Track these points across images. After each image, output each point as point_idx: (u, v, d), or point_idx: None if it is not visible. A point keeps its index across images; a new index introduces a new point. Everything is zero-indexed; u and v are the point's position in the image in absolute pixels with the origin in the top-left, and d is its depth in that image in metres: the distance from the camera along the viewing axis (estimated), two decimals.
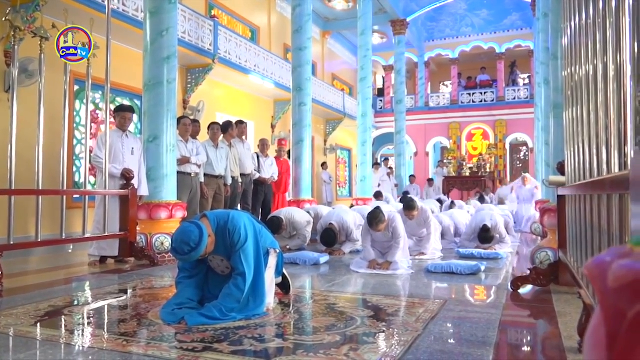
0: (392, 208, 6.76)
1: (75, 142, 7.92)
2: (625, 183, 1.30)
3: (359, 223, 6.02)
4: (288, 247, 6.22)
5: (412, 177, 16.61)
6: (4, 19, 4.32)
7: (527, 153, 20.07)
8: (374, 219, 4.66)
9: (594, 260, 0.51)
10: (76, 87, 7.79)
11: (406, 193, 12.55)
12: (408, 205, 5.69)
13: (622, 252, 0.51)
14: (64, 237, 4.73)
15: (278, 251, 3.12)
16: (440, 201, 10.55)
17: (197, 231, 2.62)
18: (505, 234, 6.20)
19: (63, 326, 2.65)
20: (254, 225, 2.94)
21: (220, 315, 2.63)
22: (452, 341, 2.37)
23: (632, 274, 0.46)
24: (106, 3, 5.29)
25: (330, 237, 5.77)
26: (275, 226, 6.05)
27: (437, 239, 5.86)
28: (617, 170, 1.55)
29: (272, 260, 3.03)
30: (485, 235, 5.88)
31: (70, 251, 6.17)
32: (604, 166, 1.73)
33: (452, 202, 9.92)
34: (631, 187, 1.04)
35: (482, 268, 4.44)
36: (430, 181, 16.45)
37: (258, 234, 2.93)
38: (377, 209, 4.84)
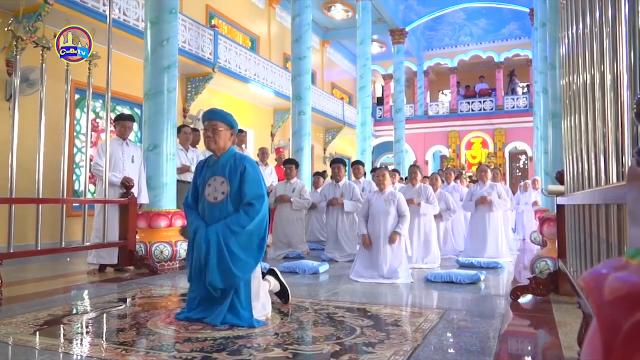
0: None
1: (75, 150, 7.93)
2: (623, 194, 1.31)
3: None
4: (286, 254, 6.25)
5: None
6: (6, 29, 4.35)
7: (526, 162, 20.10)
8: (381, 167, 4.85)
9: (590, 272, 0.52)
10: (77, 96, 7.82)
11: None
12: (414, 165, 6.16)
13: (618, 265, 0.51)
14: (63, 246, 4.73)
15: None
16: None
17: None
18: (503, 194, 6.34)
19: (62, 335, 2.65)
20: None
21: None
22: (452, 351, 2.36)
23: (627, 286, 0.47)
24: (107, 13, 5.32)
25: (342, 159, 6.67)
26: (293, 161, 6.96)
27: (436, 246, 5.87)
28: (615, 180, 1.56)
29: (258, 269, 3.01)
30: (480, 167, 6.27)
31: (69, 260, 6.16)
32: (603, 176, 1.74)
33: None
34: (628, 198, 1.05)
35: (482, 277, 4.44)
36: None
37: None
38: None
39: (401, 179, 16.49)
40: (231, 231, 2.79)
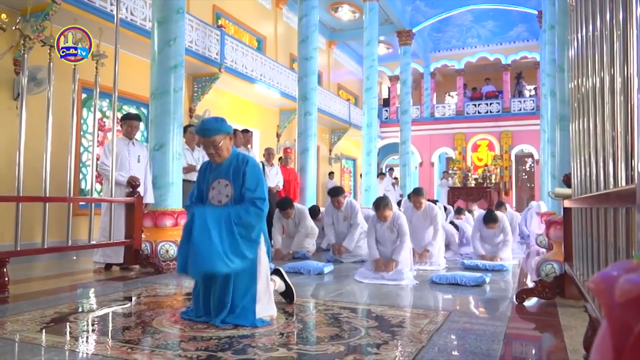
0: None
1: (82, 149, 7.96)
2: (631, 197, 1.30)
3: (363, 228, 6.07)
4: (291, 251, 6.25)
5: (331, 174, 16.41)
6: (14, 28, 4.37)
7: (532, 165, 20.03)
8: (381, 202, 4.83)
9: (600, 274, 0.52)
10: (84, 95, 7.85)
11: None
12: (417, 191, 5.98)
13: (628, 267, 0.51)
14: (69, 244, 4.75)
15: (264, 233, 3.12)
16: (445, 208, 10.45)
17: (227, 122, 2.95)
18: (509, 230, 6.20)
19: (68, 333, 2.66)
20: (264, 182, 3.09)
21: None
22: (456, 353, 2.35)
23: (638, 288, 0.46)
24: (115, 12, 5.34)
25: (338, 189, 6.34)
26: (285, 203, 6.44)
27: (441, 249, 5.86)
28: (623, 183, 1.55)
29: (264, 256, 3.00)
30: (489, 215, 6.04)
31: (75, 258, 6.18)
32: (611, 179, 1.73)
33: (459, 209, 9.77)
34: (637, 201, 1.04)
35: (487, 280, 4.42)
36: (382, 175, 15.54)
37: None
38: (385, 195, 4.99)
39: (395, 178, 16.50)
40: (231, 216, 2.80)
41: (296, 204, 6.66)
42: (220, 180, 2.94)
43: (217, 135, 2.87)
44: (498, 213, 6.19)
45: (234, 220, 2.78)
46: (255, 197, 2.86)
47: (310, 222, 6.58)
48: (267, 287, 2.95)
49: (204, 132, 2.89)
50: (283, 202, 6.51)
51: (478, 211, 10.57)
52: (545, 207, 9.17)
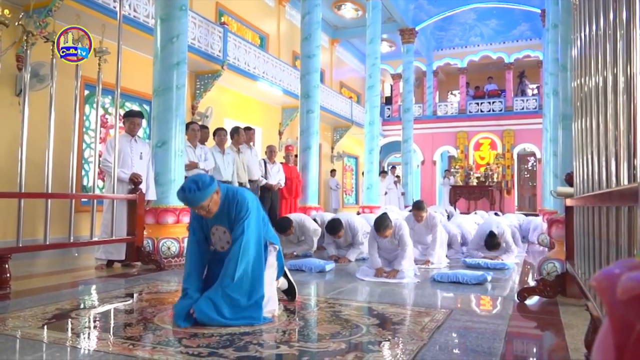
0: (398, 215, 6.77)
1: (84, 146, 7.98)
2: (634, 195, 1.30)
3: (366, 230, 6.02)
4: (295, 253, 6.21)
5: (332, 172, 16.61)
6: (16, 24, 4.37)
7: (534, 163, 20.00)
8: (382, 223, 4.69)
9: (602, 272, 0.52)
10: (86, 92, 7.86)
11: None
12: (418, 205, 5.79)
13: (630, 265, 0.51)
14: (71, 241, 4.76)
15: (278, 248, 3.15)
16: (447, 212, 10.38)
17: (210, 178, 2.78)
18: (511, 242, 6.17)
19: (69, 329, 2.67)
20: (259, 211, 2.99)
21: (223, 313, 2.69)
22: (457, 351, 2.35)
23: None
24: (117, 9, 5.34)
25: (335, 226, 5.86)
26: (284, 226, 6.11)
27: (443, 248, 5.86)
28: (626, 182, 1.55)
29: (272, 259, 3.03)
30: (491, 240, 5.88)
31: (76, 254, 6.20)
32: (613, 178, 1.73)
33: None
34: None
35: (489, 278, 4.42)
36: (384, 173, 15.44)
37: (261, 220, 2.98)
38: (385, 214, 4.88)
39: (397, 176, 16.52)
40: (225, 289, 2.76)
41: (294, 218, 6.32)
42: (218, 227, 2.92)
43: (202, 202, 2.75)
44: (499, 230, 6.08)
45: (228, 289, 2.74)
46: (237, 233, 2.81)
47: (312, 226, 6.34)
48: (270, 286, 2.97)
49: (190, 203, 2.78)
50: (281, 226, 6.06)
51: (480, 214, 10.51)
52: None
